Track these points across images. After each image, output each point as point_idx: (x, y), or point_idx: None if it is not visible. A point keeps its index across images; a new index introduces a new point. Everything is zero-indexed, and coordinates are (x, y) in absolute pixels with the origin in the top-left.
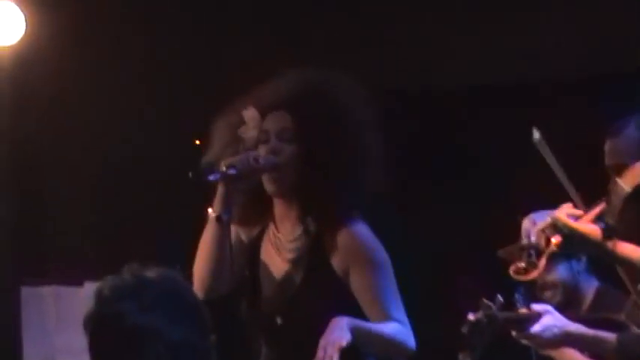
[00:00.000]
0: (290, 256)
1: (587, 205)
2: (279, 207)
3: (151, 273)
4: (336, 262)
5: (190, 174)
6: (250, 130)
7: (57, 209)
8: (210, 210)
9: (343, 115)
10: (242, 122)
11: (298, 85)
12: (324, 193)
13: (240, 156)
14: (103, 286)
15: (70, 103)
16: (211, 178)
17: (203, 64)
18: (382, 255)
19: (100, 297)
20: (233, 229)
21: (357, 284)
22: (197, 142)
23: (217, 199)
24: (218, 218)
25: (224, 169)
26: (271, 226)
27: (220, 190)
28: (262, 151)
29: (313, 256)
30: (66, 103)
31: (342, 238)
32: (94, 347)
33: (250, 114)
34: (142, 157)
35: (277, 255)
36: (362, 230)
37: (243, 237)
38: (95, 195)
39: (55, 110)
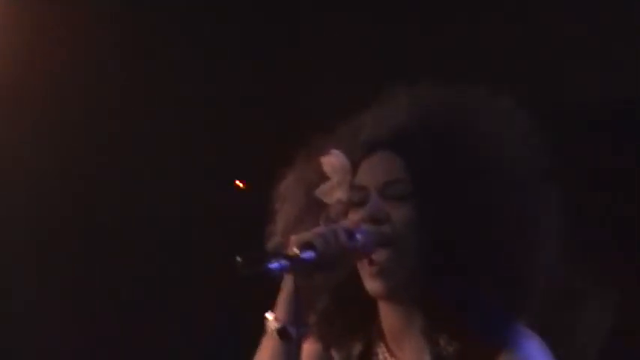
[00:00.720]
0: None
1: None
2: (389, 315)
3: None
4: None
5: (239, 259)
6: (335, 189)
7: None
8: (270, 317)
9: (494, 156)
10: (322, 178)
11: (413, 112)
12: (465, 293)
13: (322, 230)
14: None
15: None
16: (274, 266)
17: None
18: None
19: None
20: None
21: None
22: (239, 183)
23: (282, 302)
24: (283, 332)
25: (295, 251)
26: (380, 346)
27: (288, 286)
28: (356, 218)
29: None
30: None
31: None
32: None
33: (334, 162)
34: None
35: None
36: (532, 353)
37: (337, 357)
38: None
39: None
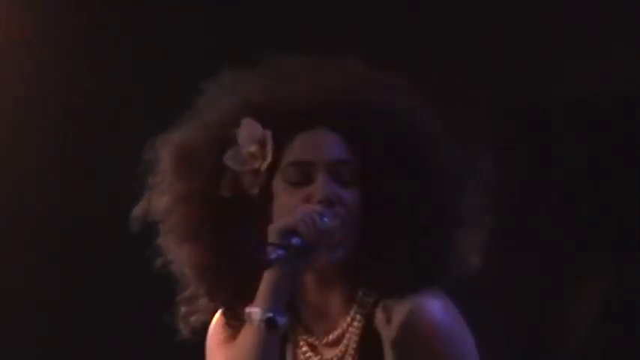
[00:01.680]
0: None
1: None
2: (311, 291)
3: None
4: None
5: None
6: (252, 158)
7: None
8: (253, 310)
9: (433, 132)
10: (227, 142)
11: (344, 87)
12: (397, 259)
13: (300, 214)
14: None
15: None
16: (274, 257)
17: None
18: (464, 349)
19: None
20: None
21: None
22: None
23: (266, 292)
24: (271, 321)
25: (282, 239)
26: (298, 330)
27: (271, 276)
28: (300, 197)
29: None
30: None
31: (402, 313)
32: None
33: (252, 131)
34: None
35: None
36: (435, 306)
37: None
38: None
39: None
